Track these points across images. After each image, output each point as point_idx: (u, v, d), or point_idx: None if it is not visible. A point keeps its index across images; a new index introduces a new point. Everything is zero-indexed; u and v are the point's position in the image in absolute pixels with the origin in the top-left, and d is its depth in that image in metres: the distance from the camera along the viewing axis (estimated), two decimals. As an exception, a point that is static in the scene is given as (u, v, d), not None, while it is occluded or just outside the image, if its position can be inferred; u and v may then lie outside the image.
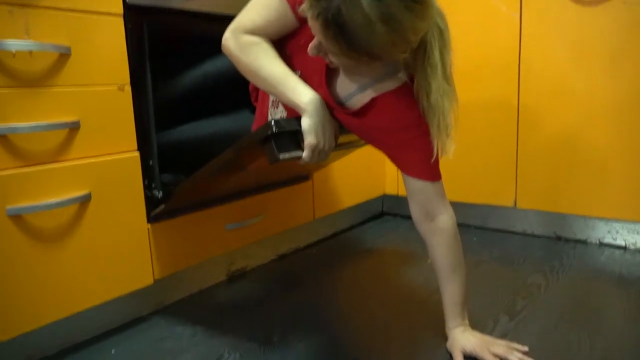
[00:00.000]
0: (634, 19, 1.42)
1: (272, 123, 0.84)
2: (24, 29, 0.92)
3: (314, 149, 0.89)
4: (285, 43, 0.97)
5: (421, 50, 0.84)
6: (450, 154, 0.90)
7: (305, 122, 0.88)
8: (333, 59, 0.83)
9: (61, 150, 1.00)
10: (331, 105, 0.94)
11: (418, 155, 0.96)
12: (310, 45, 0.83)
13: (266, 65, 0.92)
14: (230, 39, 0.95)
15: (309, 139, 0.88)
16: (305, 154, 0.89)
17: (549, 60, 1.58)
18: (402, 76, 0.92)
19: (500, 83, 1.68)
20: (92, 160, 1.05)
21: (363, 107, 0.94)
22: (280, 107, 1.05)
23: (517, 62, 1.64)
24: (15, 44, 0.90)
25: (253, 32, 0.94)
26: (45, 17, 0.95)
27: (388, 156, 1.03)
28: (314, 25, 0.77)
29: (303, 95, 0.89)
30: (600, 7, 1.47)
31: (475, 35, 1.70)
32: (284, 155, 0.86)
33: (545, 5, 1.56)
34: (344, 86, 0.96)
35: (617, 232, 1.61)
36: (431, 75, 0.85)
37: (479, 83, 1.72)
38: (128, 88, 1.09)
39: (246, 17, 0.94)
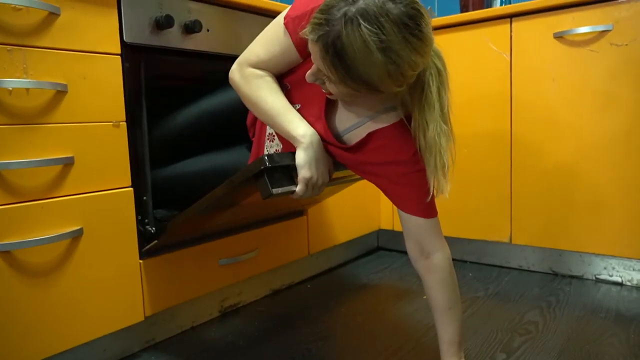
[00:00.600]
0: (620, 60, 1.46)
1: (265, 158, 0.84)
2: (22, 68, 0.94)
3: (308, 183, 0.90)
4: (286, 76, 0.99)
5: (419, 89, 0.86)
6: (447, 193, 0.91)
7: (300, 156, 0.89)
8: (330, 88, 0.84)
9: (54, 186, 1.00)
10: (328, 139, 0.95)
11: (413, 192, 0.97)
12: (309, 72, 0.85)
13: (267, 97, 0.95)
14: (235, 70, 0.99)
15: (303, 173, 0.89)
16: (298, 188, 0.90)
17: (539, 98, 1.61)
18: (400, 113, 0.94)
19: (493, 121, 1.71)
20: (85, 195, 1.05)
21: (360, 142, 0.95)
22: (276, 141, 1.07)
23: (509, 100, 1.67)
24: (11, 82, 0.92)
25: (257, 65, 0.97)
26: (43, 57, 0.97)
27: (383, 191, 1.03)
28: (313, 50, 0.79)
29: (299, 128, 0.91)
30: (587, 49, 1.51)
31: (467, 74, 1.74)
32: (277, 190, 0.86)
33: (534, 47, 1.60)
34: (342, 120, 0.98)
35: (613, 268, 1.61)
36: (428, 114, 0.86)
37: (472, 120, 1.74)
38: (123, 125, 1.10)
39: (251, 51, 0.98)
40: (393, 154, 0.95)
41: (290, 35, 0.92)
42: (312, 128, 0.92)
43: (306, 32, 0.79)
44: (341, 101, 0.97)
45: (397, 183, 0.97)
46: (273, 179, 0.86)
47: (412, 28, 0.73)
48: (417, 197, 0.96)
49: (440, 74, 0.86)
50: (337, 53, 0.74)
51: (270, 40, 0.95)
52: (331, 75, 0.79)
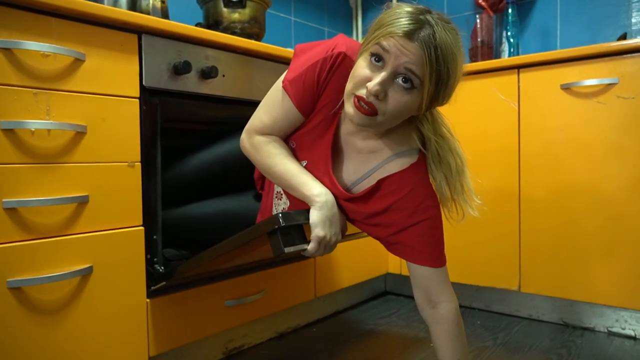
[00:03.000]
0: (628, 112, 1.48)
1: (280, 216, 0.85)
2: (45, 110, 0.98)
3: (321, 242, 0.90)
4: (290, 135, 1.02)
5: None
6: (475, 212, 0.95)
7: (315, 215, 0.90)
8: (390, 101, 0.84)
9: (68, 224, 1.02)
10: (337, 191, 0.96)
11: (421, 240, 0.97)
12: (374, 82, 0.82)
13: (279, 162, 0.97)
14: (245, 139, 1.02)
15: (317, 231, 0.89)
16: (311, 246, 0.90)
17: (548, 147, 1.62)
18: (412, 158, 0.96)
19: (501, 168, 1.72)
20: (97, 233, 1.07)
21: (369, 189, 0.96)
22: (284, 199, 1.08)
23: (517, 149, 1.68)
24: (35, 123, 0.96)
25: (263, 131, 1.00)
26: (66, 99, 1.01)
27: (390, 243, 1.02)
28: (404, 51, 0.81)
29: (314, 188, 0.93)
30: (595, 101, 1.53)
31: (476, 124, 1.76)
32: (289, 249, 0.86)
33: (542, 97, 1.63)
34: (351, 172, 1.00)
35: (626, 321, 1.57)
36: (439, 130, 0.97)
37: (481, 168, 1.75)
38: (138, 165, 1.13)
39: (256, 118, 1.01)
40: (401, 201, 0.96)
41: (290, 97, 0.95)
42: (325, 187, 0.94)
43: (396, 34, 0.82)
44: (350, 151, 0.99)
45: (405, 230, 0.98)
46: (286, 238, 0.86)
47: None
48: (424, 246, 0.97)
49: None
50: (436, 49, 0.81)
51: (272, 105, 0.99)
52: (418, 75, 0.82)
